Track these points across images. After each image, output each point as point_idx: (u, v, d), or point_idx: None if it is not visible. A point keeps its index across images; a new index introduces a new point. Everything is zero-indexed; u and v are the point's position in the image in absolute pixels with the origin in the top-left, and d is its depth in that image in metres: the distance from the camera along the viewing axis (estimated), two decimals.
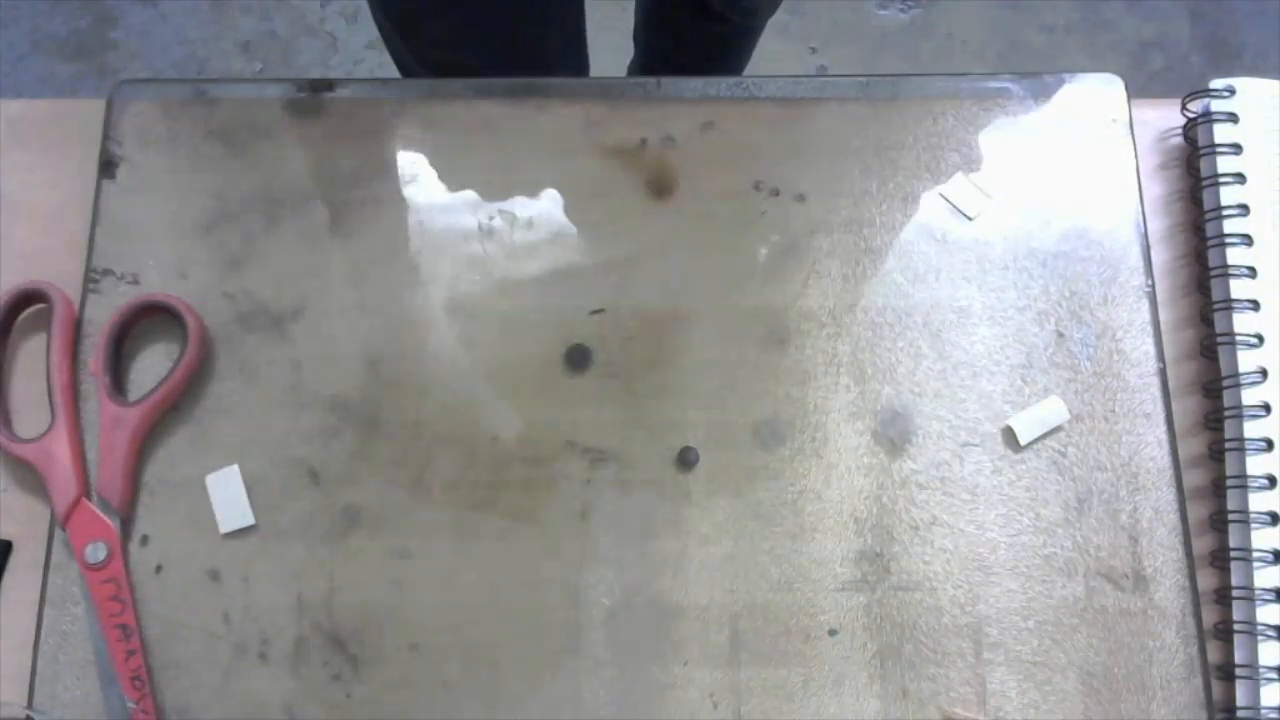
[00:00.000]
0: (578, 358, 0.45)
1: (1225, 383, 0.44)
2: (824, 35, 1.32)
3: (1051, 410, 0.45)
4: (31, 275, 0.45)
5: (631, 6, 0.96)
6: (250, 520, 0.43)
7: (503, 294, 0.46)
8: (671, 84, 0.50)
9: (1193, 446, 0.45)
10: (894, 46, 1.36)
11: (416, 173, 0.48)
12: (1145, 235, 0.47)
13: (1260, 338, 0.44)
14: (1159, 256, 0.48)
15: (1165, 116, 0.49)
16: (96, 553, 0.42)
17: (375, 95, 0.50)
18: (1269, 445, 0.43)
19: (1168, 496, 0.44)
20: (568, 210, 0.47)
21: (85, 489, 0.43)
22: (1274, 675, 0.41)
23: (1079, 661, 0.42)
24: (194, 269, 0.46)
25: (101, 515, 0.42)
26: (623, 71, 1.11)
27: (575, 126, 0.49)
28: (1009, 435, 0.45)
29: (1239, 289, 0.45)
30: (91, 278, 0.46)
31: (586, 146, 0.48)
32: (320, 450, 0.44)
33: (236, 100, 0.49)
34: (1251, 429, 0.43)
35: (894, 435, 0.45)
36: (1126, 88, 0.49)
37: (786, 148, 0.48)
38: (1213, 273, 0.46)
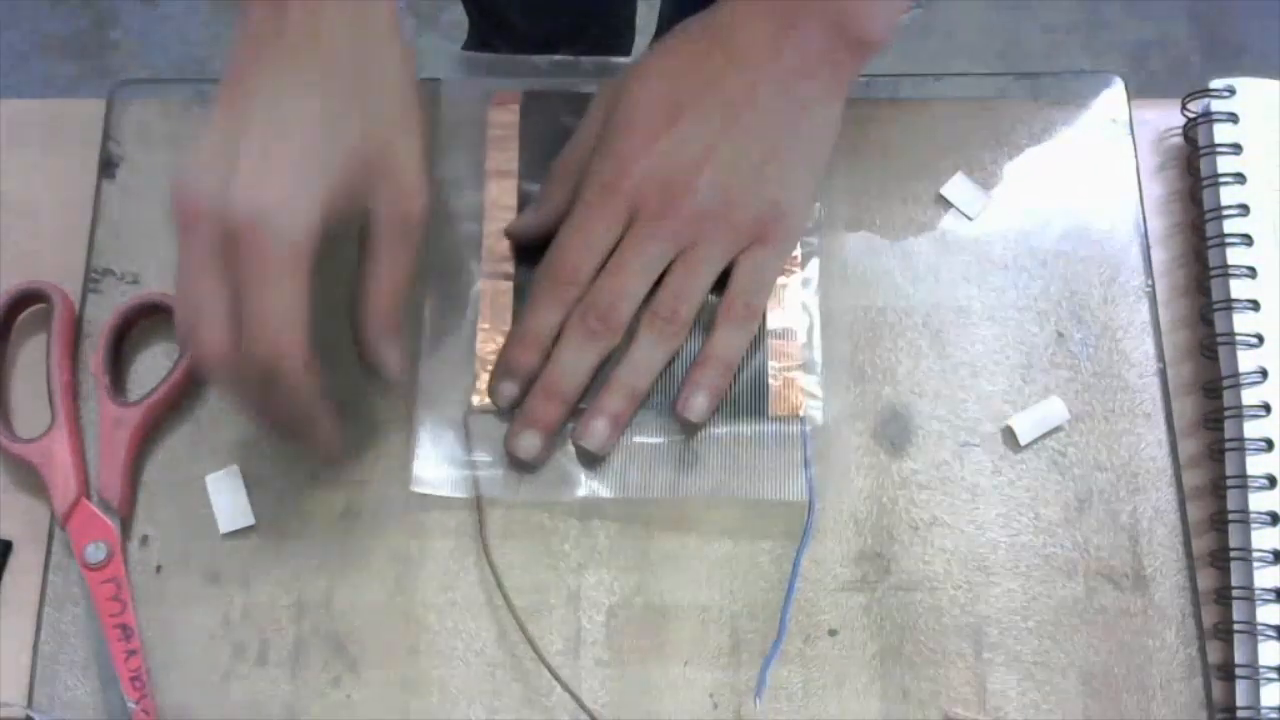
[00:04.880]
0: None
1: (1225, 383, 0.44)
2: None
3: (1051, 410, 0.45)
4: (31, 275, 0.45)
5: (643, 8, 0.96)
6: (250, 520, 0.43)
7: None
8: None
9: (1193, 446, 0.45)
10: (894, 46, 1.35)
11: None
12: (1145, 235, 0.47)
13: (1260, 338, 0.44)
14: (1159, 256, 0.48)
15: (1165, 116, 0.49)
16: (96, 553, 0.42)
17: None
18: (1269, 445, 0.43)
19: (1168, 496, 0.44)
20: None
21: (85, 489, 0.43)
22: (1274, 675, 0.41)
23: (1079, 661, 0.42)
24: None
25: (101, 515, 0.42)
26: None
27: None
28: (1009, 435, 0.45)
29: (1239, 289, 0.45)
30: (91, 278, 0.46)
31: None
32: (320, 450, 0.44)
33: None
34: (1251, 429, 0.43)
35: (894, 435, 0.45)
36: (1126, 88, 0.49)
37: None
38: (1213, 273, 0.46)
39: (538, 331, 0.43)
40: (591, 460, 0.43)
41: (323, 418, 0.39)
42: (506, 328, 0.44)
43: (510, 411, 0.43)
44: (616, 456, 0.43)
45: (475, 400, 0.44)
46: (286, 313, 0.35)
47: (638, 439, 0.44)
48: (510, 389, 0.43)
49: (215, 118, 0.36)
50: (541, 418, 0.42)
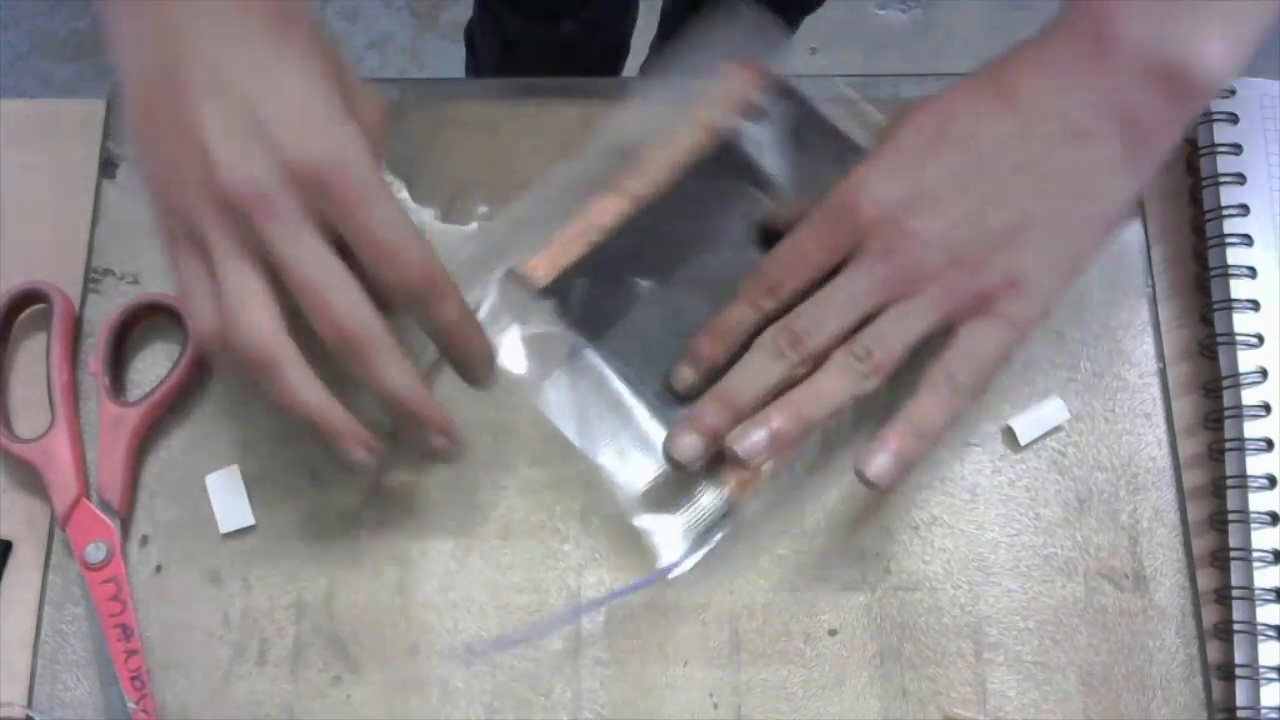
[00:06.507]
0: (576, 354, 0.45)
1: (1225, 383, 0.44)
2: (824, 35, 1.32)
3: (1051, 410, 0.45)
4: (31, 275, 0.45)
5: (644, 7, 0.97)
6: (250, 520, 0.43)
7: None
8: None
9: (1193, 446, 0.45)
10: (894, 46, 1.36)
11: (416, 173, 0.48)
12: (1145, 235, 0.47)
13: (1260, 338, 0.44)
14: (1159, 256, 0.48)
15: None
16: (96, 553, 0.42)
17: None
18: (1269, 445, 0.43)
19: (1168, 496, 0.44)
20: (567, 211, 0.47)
21: (85, 489, 0.43)
22: (1274, 675, 0.41)
23: (1079, 661, 0.42)
24: None
25: (101, 515, 0.42)
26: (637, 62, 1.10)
27: (575, 126, 0.49)
28: (1009, 435, 0.45)
29: (1239, 289, 0.45)
30: (91, 278, 0.46)
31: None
32: (320, 450, 0.44)
33: None
34: (1251, 429, 0.43)
35: None
36: None
37: None
38: (1213, 273, 0.46)
39: (727, 327, 0.41)
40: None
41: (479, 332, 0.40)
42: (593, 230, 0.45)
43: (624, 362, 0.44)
44: None
45: (517, 265, 0.45)
46: (404, 225, 0.36)
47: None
48: (688, 374, 0.42)
49: (224, 93, 0.35)
50: (708, 424, 0.40)
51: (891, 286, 0.39)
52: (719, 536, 0.42)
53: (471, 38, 1.00)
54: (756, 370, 0.40)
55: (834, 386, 0.39)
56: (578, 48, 0.87)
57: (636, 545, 0.43)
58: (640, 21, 0.98)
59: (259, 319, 0.36)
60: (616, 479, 0.43)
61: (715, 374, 0.41)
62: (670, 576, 0.42)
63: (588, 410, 0.44)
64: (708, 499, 0.43)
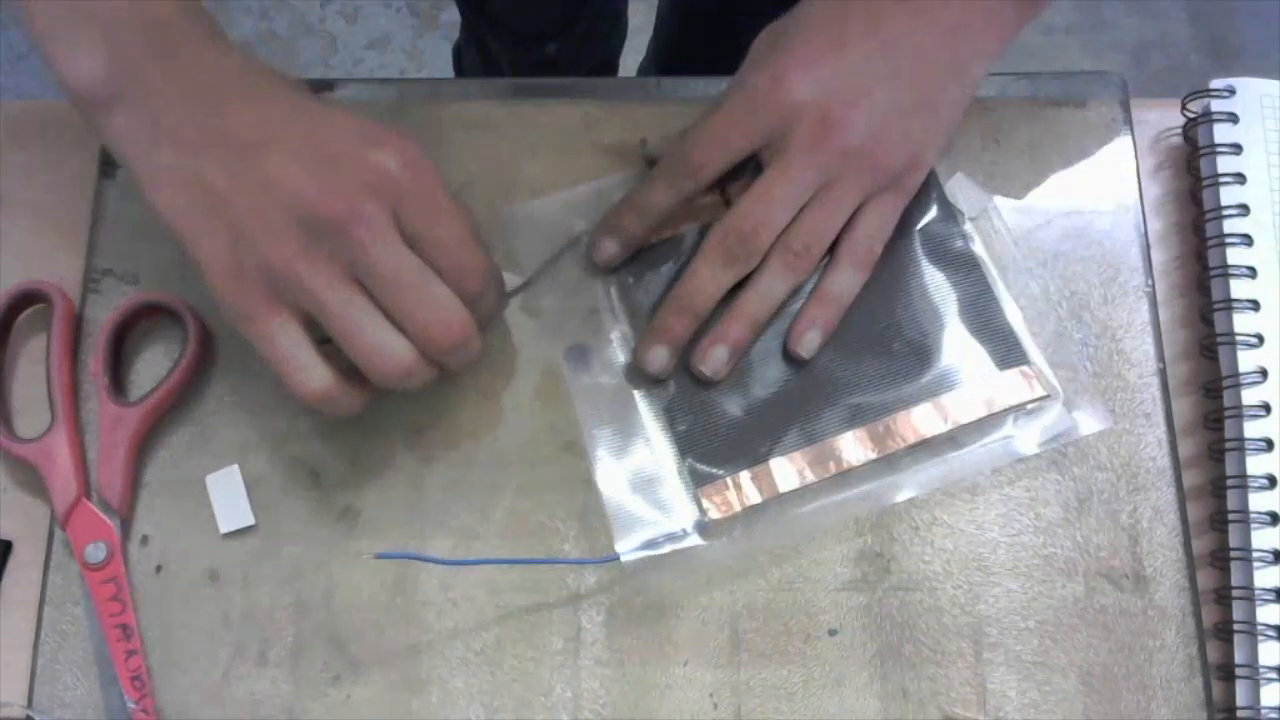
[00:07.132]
0: (577, 357, 0.45)
1: (1225, 383, 0.44)
2: None
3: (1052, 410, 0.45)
4: (31, 275, 0.45)
5: (643, 7, 0.96)
6: (250, 520, 0.43)
7: None
8: (671, 84, 0.50)
9: (1193, 446, 0.45)
10: None
11: None
12: (1145, 235, 0.47)
13: (1260, 338, 0.44)
14: (1159, 256, 0.48)
15: (1165, 116, 0.49)
16: (96, 553, 0.42)
17: (375, 95, 0.49)
18: (1269, 445, 0.43)
19: (1168, 496, 0.44)
20: (567, 211, 0.47)
21: (85, 489, 0.43)
22: (1274, 675, 0.41)
23: (1079, 661, 0.42)
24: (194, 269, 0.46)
25: (101, 515, 0.42)
26: (632, 70, 1.10)
27: (575, 126, 0.49)
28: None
29: (1239, 289, 0.45)
30: (91, 278, 0.46)
31: (586, 146, 0.48)
32: (320, 450, 0.44)
33: None
34: (1251, 429, 0.43)
35: None
36: (1126, 88, 0.49)
37: None
38: (1213, 273, 0.46)
39: (645, 205, 0.44)
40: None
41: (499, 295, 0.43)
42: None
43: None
44: None
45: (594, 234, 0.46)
46: (469, 227, 0.39)
47: None
48: (611, 247, 0.45)
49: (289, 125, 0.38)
50: (673, 332, 0.43)
51: (824, 173, 0.42)
52: (673, 549, 0.42)
53: (459, 59, 1.00)
54: (711, 276, 0.43)
55: (778, 287, 0.43)
56: (564, 69, 0.87)
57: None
58: (640, 20, 0.98)
59: (388, 334, 0.38)
60: (607, 460, 0.44)
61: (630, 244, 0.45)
62: (604, 564, 0.43)
63: (598, 389, 0.45)
64: (684, 510, 0.43)
